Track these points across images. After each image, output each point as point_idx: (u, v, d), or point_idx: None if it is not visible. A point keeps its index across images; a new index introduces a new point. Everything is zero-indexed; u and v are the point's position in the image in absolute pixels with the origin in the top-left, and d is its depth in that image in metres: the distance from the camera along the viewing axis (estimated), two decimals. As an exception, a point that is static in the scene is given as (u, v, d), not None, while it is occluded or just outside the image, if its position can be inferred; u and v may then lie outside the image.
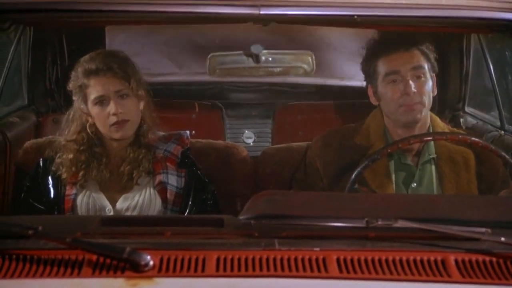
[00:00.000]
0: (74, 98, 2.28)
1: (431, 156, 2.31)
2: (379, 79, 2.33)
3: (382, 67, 2.32)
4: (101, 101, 2.19)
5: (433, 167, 2.30)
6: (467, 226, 1.45)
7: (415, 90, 2.27)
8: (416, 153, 2.32)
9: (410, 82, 2.28)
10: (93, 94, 2.20)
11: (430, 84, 2.32)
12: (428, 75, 2.32)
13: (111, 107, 2.17)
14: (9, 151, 2.77)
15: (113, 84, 2.18)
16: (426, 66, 2.32)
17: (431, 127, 2.36)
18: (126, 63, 2.23)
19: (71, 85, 2.26)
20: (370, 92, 2.39)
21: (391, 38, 2.34)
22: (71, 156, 2.24)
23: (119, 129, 2.20)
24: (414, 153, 2.32)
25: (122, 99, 2.20)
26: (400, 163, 2.31)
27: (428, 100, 2.31)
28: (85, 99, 2.22)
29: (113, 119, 2.18)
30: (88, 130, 2.25)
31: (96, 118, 2.22)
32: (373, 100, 2.39)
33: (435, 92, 2.38)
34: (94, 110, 2.21)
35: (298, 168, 2.46)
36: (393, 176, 2.29)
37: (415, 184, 2.29)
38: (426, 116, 2.35)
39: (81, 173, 2.24)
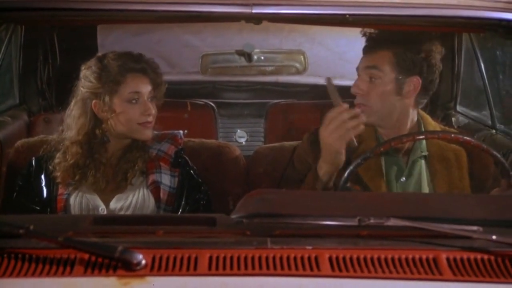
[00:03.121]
0: (94, 92, 2.23)
1: (422, 154, 2.30)
2: None
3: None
4: (135, 98, 2.21)
5: (424, 164, 2.30)
6: (459, 224, 1.45)
7: (358, 91, 2.24)
8: (406, 151, 2.31)
9: (357, 81, 2.25)
10: (128, 89, 2.21)
11: (386, 88, 2.21)
12: (386, 78, 2.21)
13: (145, 107, 2.22)
14: (0, 150, 2.76)
15: (148, 86, 2.24)
16: (387, 68, 2.21)
17: (422, 126, 2.35)
18: (159, 72, 2.30)
19: (92, 78, 2.22)
20: None
21: (374, 36, 2.29)
22: (72, 161, 2.22)
23: (144, 128, 2.24)
24: (404, 151, 2.31)
25: (151, 102, 2.25)
26: (390, 159, 2.30)
27: (379, 104, 2.22)
28: (112, 94, 2.21)
29: (145, 118, 2.22)
30: (96, 129, 2.23)
31: (122, 114, 2.21)
32: None
33: (408, 96, 2.24)
34: (123, 106, 2.21)
35: (287, 167, 2.44)
36: (384, 172, 2.28)
37: (404, 179, 2.28)
38: (395, 118, 2.26)
39: (77, 177, 2.24)
